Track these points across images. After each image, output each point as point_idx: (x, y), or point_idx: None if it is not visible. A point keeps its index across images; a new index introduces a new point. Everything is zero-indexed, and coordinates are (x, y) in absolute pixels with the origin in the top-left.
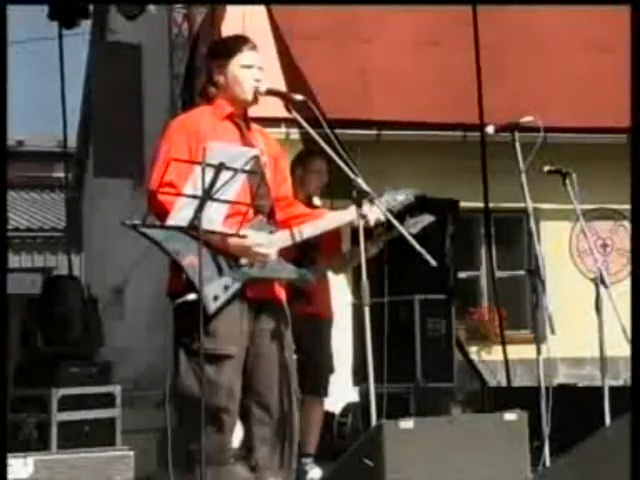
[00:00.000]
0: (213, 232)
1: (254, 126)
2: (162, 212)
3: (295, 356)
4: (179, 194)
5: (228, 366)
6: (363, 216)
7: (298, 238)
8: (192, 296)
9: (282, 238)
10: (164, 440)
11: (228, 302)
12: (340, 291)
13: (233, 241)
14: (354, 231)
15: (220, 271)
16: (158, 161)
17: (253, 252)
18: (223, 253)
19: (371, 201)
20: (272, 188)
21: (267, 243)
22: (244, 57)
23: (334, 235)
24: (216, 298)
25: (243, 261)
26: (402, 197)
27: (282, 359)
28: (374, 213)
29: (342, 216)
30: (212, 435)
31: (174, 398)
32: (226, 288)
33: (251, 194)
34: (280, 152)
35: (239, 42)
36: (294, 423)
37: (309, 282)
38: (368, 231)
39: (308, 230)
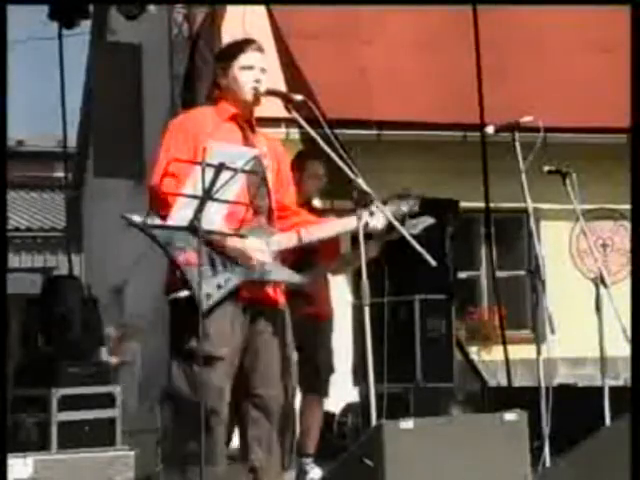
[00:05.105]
0: (213, 232)
1: (259, 130)
2: (164, 206)
3: (296, 356)
4: (179, 194)
5: (219, 368)
6: (361, 218)
7: (301, 241)
8: (184, 293)
9: (284, 240)
10: (163, 440)
11: (221, 302)
12: (340, 291)
13: (232, 243)
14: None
15: (214, 269)
16: (158, 159)
17: (248, 256)
18: (220, 252)
19: (372, 203)
20: (274, 192)
21: (263, 248)
22: (244, 59)
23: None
24: (208, 296)
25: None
26: (406, 208)
27: (280, 360)
28: (375, 220)
29: (345, 224)
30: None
31: (167, 399)
32: (219, 287)
33: (250, 194)
34: (284, 158)
35: (242, 44)
36: (292, 424)
37: (301, 284)
38: (368, 233)
39: (314, 234)
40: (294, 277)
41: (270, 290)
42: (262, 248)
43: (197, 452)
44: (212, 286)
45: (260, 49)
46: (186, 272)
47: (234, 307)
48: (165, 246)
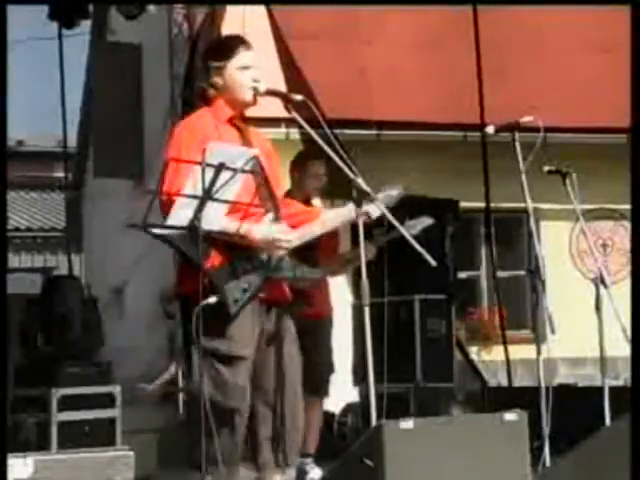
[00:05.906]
0: (212, 232)
1: (251, 128)
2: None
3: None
4: (179, 194)
5: (242, 368)
6: (365, 213)
7: (308, 237)
8: (213, 299)
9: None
10: (166, 440)
11: (244, 304)
12: (340, 291)
13: (258, 234)
14: (354, 232)
15: (236, 272)
16: (169, 167)
17: (276, 241)
18: (244, 249)
19: (371, 201)
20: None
21: (285, 230)
22: (241, 58)
23: (332, 236)
24: (236, 301)
25: (262, 256)
26: (395, 192)
27: (288, 358)
28: (373, 209)
29: (344, 213)
30: (226, 436)
31: (192, 400)
32: (244, 291)
33: (260, 195)
34: (272, 152)
35: (235, 43)
36: (298, 422)
37: (310, 281)
38: (368, 232)
39: (316, 228)
40: (314, 273)
41: (282, 287)
42: (284, 230)
43: (219, 451)
44: (239, 290)
45: (251, 47)
46: (212, 277)
47: (253, 307)
48: (194, 253)
